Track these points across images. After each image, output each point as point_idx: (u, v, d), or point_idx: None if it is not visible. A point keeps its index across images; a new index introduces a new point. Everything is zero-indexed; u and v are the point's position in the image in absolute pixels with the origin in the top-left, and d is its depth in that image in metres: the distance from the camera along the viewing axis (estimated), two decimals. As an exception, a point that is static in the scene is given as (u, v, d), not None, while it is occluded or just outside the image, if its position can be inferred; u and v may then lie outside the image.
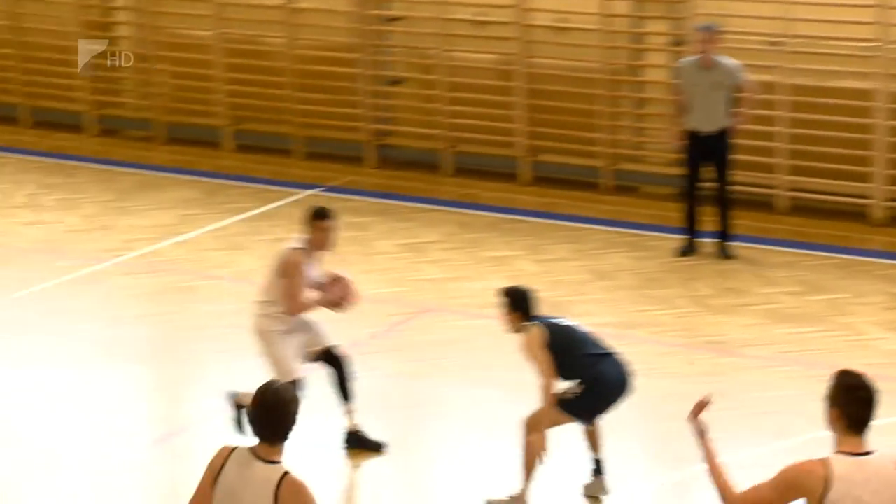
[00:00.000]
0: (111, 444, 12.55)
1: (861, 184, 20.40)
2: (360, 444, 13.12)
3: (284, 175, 22.06)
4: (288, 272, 12.33)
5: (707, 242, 18.76)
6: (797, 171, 20.76)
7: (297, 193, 21.09)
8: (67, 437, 12.66)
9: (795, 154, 20.68)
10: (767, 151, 20.82)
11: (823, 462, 6.99)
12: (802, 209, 20.58)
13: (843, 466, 6.98)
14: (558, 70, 22.64)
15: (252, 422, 7.08)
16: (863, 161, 20.57)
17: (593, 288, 17.66)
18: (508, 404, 13.29)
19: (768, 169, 20.84)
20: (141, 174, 22.42)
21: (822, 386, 13.94)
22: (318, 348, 12.69)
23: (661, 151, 21.92)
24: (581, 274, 18.17)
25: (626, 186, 21.86)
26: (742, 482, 9.80)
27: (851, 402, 7.03)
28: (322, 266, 12.65)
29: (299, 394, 7.78)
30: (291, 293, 12.31)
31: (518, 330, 11.68)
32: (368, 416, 13.41)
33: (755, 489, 7.36)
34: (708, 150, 18.50)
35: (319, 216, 12.59)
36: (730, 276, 18.05)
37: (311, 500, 6.88)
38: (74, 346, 15.18)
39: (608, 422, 12.22)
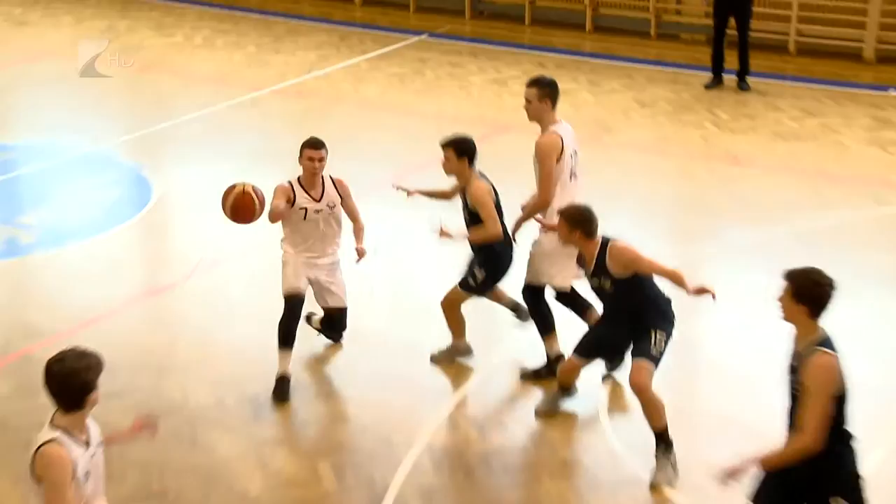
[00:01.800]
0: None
1: (857, 30, 20.55)
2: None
3: (400, 24, 22.19)
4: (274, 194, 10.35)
5: (729, 78, 19.14)
6: (804, 20, 20.80)
7: (409, 38, 21.46)
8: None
9: (803, 6, 20.68)
10: (781, 4, 20.86)
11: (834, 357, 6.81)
12: (807, 51, 20.78)
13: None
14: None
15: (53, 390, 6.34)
16: (858, 11, 20.59)
17: (637, 114, 18.07)
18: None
19: (781, 19, 20.89)
20: (290, 22, 22.62)
21: (812, 186, 14.52)
22: (326, 304, 10.87)
23: (696, 5, 21.61)
24: (629, 102, 18.54)
25: (668, 34, 22.09)
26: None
27: (818, 297, 6.92)
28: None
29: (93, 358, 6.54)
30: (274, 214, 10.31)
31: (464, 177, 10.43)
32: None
33: (819, 416, 6.78)
34: (732, 3, 18.74)
35: (307, 145, 10.40)
36: (745, 104, 18.44)
37: (52, 475, 6.21)
38: (236, 152, 15.51)
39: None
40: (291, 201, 10.31)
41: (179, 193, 14.70)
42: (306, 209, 10.35)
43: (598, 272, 9.22)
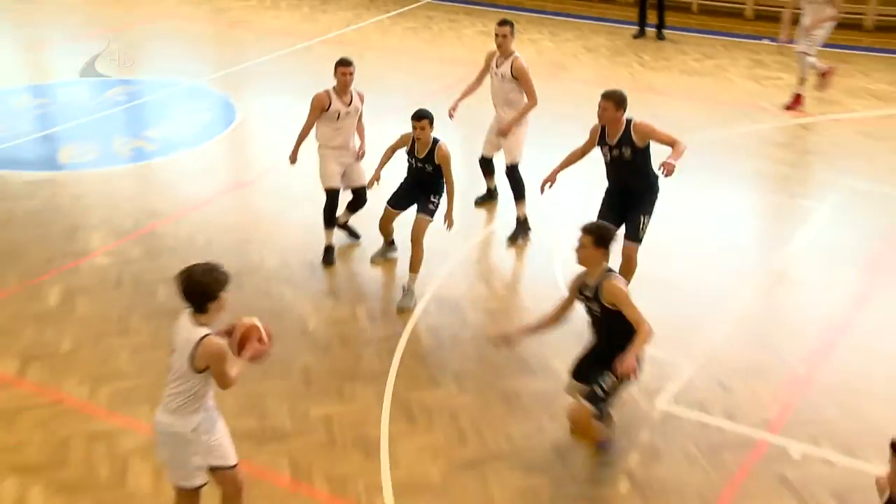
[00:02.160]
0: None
1: None
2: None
3: None
4: (310, 107, 10.42)
5: (650, 31, 19.01)
6: None
7: (420, 1, 21.12)
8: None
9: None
10: None
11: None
12: (705, 11, 20.44)
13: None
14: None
15: (182, 295, 6.04)
16: None
17: (585, 57, 17.89)
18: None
19: None
20: None
21: (707, 109, 14.42)
22: (353, 184, 10.80)
23: None
24: (578, 48, 18.37)
25: None
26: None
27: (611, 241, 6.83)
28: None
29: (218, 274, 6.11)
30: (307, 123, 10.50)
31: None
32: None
33: (638, 311, 6.98)
34: None
35: (340, 63, 10.29)
36: (661, 50, 18.33)
37: (216, 357, 5.94)
38: (295, 86, 14.87)
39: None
40: (327, 107, 10.34)
41: (255, 115, 14.89)
42: (339, 111, 10.38)
43: (621, 143, 9.05)
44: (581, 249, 7.28)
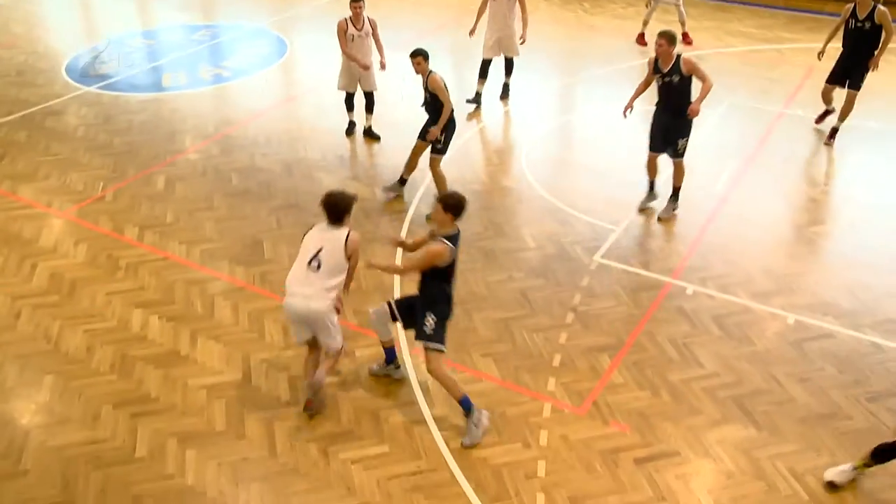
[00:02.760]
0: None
1: None
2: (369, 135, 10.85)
3: None
4: (337, 33, 10.12)
5: None
6: None
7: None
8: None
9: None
10: None
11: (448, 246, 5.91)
12: None
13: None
14: None
15: (324, 210, 6.18)
16: None
17: (541, 4, 16.79)
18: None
19: None
20: None
21: (626, 46, 13.93)
22: (365, 87, 10.54)
23: None
24: (539, 2, 17.97)
25: None
26: (597, 91, 9.87)
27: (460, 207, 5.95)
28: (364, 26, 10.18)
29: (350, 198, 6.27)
30: (339, 43, 10.16)
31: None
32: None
33: (417, 264, 6.04)
34: None
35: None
36: (597, 1, 17.98)
37: (358, 248, 6.17)
38: (327, 27, 15.36)
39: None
40: (346, 29, 10.16)
41: (300, 49, 14.45)
42: (353, 35, 10.18)
43: (672, 71, 8.51)
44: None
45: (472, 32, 11.44)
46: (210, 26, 15.54)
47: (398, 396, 6.62)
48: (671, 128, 8.83)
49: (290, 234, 8.72)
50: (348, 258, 6.13)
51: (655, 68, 8.71)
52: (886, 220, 9.16)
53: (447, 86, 8.74)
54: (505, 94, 12.11)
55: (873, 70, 10.43)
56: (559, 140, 11.11)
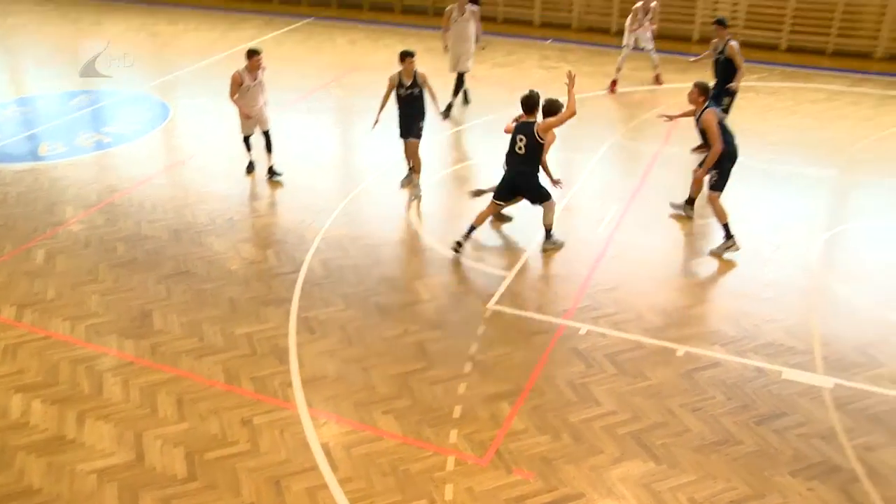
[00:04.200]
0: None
1: (527, 10, 19.75)
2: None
3: (297, 12, 20.86)
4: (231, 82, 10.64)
5: None
6: (508, 4, 20.10)
7: (304, 20, 20.42)
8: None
9: (507, 4, 20.53)
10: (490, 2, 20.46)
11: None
12: (508, 20, 19.88)
13: None
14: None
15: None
16: (527, 6, 20.36)
17: (426, 56, 17.47)
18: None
19: (491, 4, 20.45)
20: (234, 15, 21.08)
21: (509, 91, 14.12)
22: (263, 128, 11.08)
23: None
24: (420, 50, 18.17)
25: (440, 13, 21.28)
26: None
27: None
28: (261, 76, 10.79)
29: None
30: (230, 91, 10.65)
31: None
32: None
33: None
34: None
35: (254, 53, 10.65)
36: (479, 51, 18.18)
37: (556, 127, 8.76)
38: (213, 88, 14.96)
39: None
40: (241, 82, 10.67)
41: (183, 112, 14.18)
42: (249, 85, 10.75)
43: (698, 120, 9.42)
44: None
45: (374, 124, 10.92)
46: (88, 92, 15.14)
47: (298, 463, 6.47)
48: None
49: (181, 302, 8.49)
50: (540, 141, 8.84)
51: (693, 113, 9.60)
52: (760, 250, 9.59)
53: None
54: (447, 112, 13.30)
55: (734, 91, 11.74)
56: (447, 190, 11.23)
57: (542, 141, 8.92)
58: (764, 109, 13.87)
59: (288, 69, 16.25)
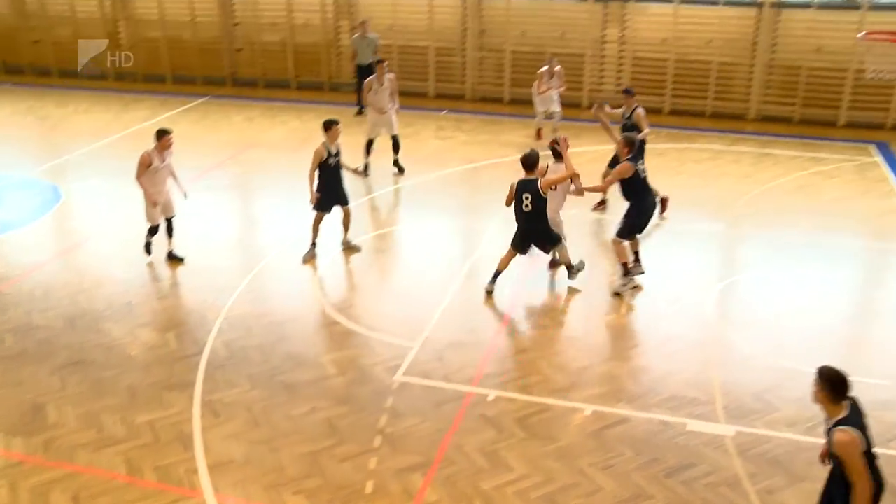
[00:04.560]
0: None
1: (421, 83, 20.26)
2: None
3: (193, 91, 20.82)
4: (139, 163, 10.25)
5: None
6: (400, 77, 20.84)
7: (200, 99, 20.46)
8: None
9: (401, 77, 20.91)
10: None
11: None
12: (402, 94, 20.59)
13: None
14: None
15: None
16: (421, 77, 20.73)
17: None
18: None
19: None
20: (127, 97, 21.06)
21: (407, 162, 14.18)
22: (168, 214, 10.75)
23: (348, 76, 20.57)
24: (317, 126, 18.13)
25: (336, 90, 21.23)
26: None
27: None
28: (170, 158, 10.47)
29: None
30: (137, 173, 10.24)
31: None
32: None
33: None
34: (368, 72, 18.36)
35: (165, 132, 10.36)
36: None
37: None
38: (106, 169, 14.40)
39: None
40: (150, 163, 10.26)
41: (76, 196, 13.78)
42: (158, 166, 10.35)
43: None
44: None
45: (314, 200, 10.94)
46: (-28, 179, 14.65)
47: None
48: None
49: (77, 393, 8.13)
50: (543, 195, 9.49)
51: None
52: (657, 305, 9.90)
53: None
54: (400, 170, 14.23)
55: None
56: (350, 263, 11.18)
57: (545, 196, 9.56)
58: (653, 170, 14.26)
59: (184, 148, 15.87)
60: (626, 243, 10.21)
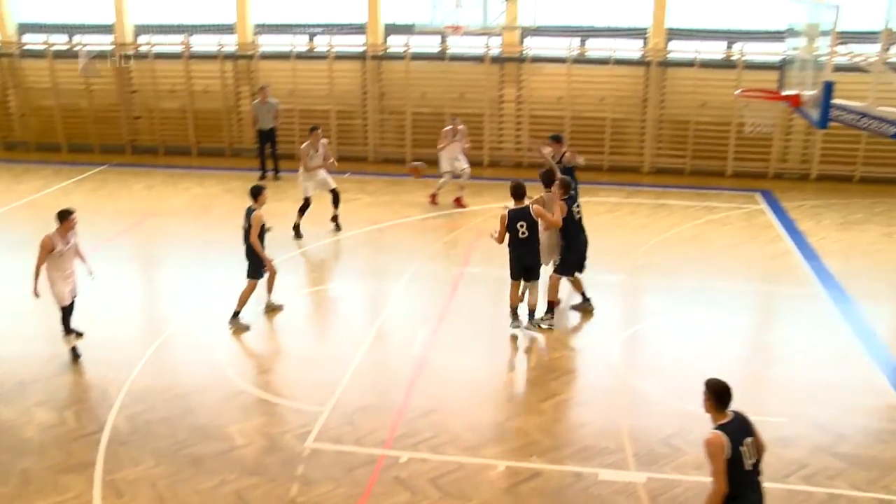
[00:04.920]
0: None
1: (362, 147, 20.47)
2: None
3: (91, 160, 20.47)
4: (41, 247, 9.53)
5: (270, 174, 18.51)
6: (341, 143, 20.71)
7: (97, 168, 19.92)
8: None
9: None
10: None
11: None
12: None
13: None
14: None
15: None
16: (360, 143, 20.61)
17: (226, 196, 17.23)
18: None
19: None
20: (18, 167, 20.38)
21: (313, 224, 13.98)
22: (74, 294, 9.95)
23: (249, 141, 20.26)
24: (220, 192, 17.57)
25: (237, 155, 20.80)
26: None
27: None
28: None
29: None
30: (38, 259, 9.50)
31: None
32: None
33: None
34: (268, 137, 18.20)
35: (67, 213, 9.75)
36: (280, 186, 17.56)
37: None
38: (7, 237, 14.60)
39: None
40: (52, 248, 9.56)
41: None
42: (62, 250, 9.63)
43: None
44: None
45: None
46: None
47: None
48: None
49: (-30, 489, 7.69)
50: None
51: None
52: (564, 358, 10.05)
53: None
54: (337, 227, 14.51)
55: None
56: (255, 331, 10.93)
57: (537, 221, 10.17)
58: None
59: (81, 218, 15.50)
60: (564, 279, 11.01)
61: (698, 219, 15.48)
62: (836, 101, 9.47)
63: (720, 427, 5.80)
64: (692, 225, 15.12)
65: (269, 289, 11.17)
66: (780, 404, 8.90)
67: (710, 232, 14.75)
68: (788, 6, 11.85)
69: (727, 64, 18.39)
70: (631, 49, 18.98)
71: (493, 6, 17.08)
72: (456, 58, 19.40)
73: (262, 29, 20.52)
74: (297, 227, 14.36)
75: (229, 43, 20.34)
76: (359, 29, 19.96)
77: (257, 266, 10.75)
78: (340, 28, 20.08)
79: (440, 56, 19.46)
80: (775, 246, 14.10)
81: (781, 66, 11.95)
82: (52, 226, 9.76)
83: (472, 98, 19.49)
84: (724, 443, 5.69)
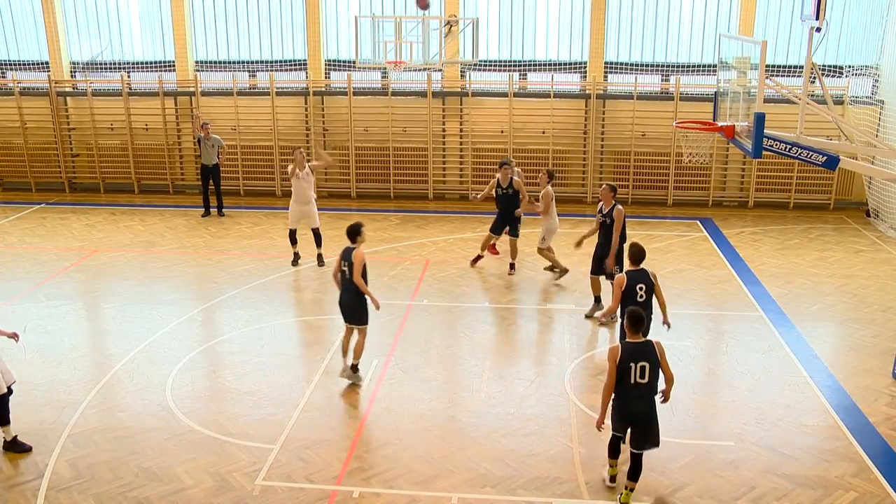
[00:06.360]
0: None
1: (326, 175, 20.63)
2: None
3: (30, 199, 20.10)
4: None
5: (214, 210, 18.34)
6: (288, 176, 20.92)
7: (37, 206, 19.50)
8: None
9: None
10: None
11: None
12: (250, 193, 20.38)
13: None
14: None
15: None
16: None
17: (168, 234, 16.93)
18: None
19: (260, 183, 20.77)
20: None
21: (259, 261, 13.99)
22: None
23: (193, 177, 20.38)
24: (163, 229, 17.26)
25: (178, 192, 20.72)
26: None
27: None
28: None
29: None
30: None
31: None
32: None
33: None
34: (211, 174, 17.99)
35: None
36: (224, 223, 17.59)
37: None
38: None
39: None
40: None
41: None
42: None
43: (608, 214, 11.96)
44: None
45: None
46: None
47: None
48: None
49: None
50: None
51: (599, 211, 12.05)
52: (516, 387, 10.04)
53: None
54: (320, 264, 14.53)
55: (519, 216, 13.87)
56: (202, 368, 10.76)
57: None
58: (505, 255, 14.81)
59: (18, 259, 15.26)
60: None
61: (644, 247, 15.66)
62: (767, 131, 9.77)
63: (623, 343, 7.38)
64: (636, 253, 15.29)
65: (356, 353, 10.07)
66: (727, 427, 9.02)
67: (656, 259, 14.96)
68: (720, 41, 12.24)
69: (664, 96, 18.86)
70: (571, 83, 19.34)
71: (434, 42, 17.27)
72: (398, 93, 19.54)
73: (203, 66, 20.38)
74: (295, 257, 14.82)
75: (169, 80, 20.18)
76: (300, 65, 19.97)
77: (365, 309, 9.92)
78: (282, 64, 20.08)
79: (382, 91, 19.57)
80: (718, 272, 14.38)
81: (715, 98, 12.28)
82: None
83: (415, 132, 19.61)
84: (618, 352, 7.27)
